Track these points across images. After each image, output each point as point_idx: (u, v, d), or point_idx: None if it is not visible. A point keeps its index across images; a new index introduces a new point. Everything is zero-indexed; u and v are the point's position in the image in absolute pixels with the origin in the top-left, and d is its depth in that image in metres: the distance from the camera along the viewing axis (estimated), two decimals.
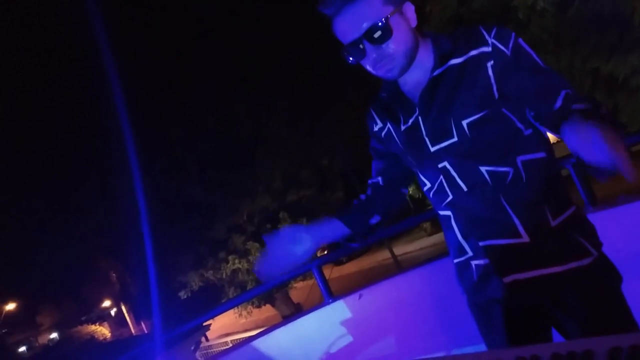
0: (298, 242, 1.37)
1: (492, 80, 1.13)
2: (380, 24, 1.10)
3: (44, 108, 13.54)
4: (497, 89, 1.13)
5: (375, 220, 1.41)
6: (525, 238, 1.15)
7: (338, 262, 19.06)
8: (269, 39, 11.96)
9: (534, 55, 1.14)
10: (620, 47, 6.30)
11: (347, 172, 16.52)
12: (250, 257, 11.93)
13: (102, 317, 24.80)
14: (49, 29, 12.02)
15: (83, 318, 23.81)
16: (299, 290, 12.94)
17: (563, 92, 1.08)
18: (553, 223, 1.15)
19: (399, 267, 12.58)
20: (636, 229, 1.98)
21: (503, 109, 1.14)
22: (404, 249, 14.33)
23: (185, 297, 12.45)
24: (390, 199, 1.43)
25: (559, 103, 1.07)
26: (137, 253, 11.50)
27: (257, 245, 11.91)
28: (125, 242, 12.11)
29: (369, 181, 1.47)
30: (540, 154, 1.17)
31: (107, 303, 23.34)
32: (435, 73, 1.18)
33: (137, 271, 12.95)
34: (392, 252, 12.89)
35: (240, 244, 12.09)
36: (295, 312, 13.80)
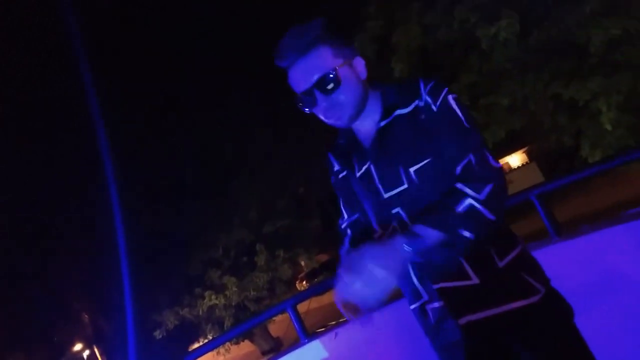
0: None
1: (426, 132, 1.20)
2: (330, 74, 1.18)
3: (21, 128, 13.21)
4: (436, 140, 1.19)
5: None
6: (475, 280, 1.19)
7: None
8: (246, 70, 12.06)
9: (460, 114, 1.19)
10: (579, 73, 6.58)
11: (324, 200, 16.52)
12: (227, 292, 11.68)
13: None
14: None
15: None
16: (278, 323, 12.70)
17: (467, 158, 1.13)
18: (500, 264, 1.19)
19: None
20: (600, 257, 2.03)
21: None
22: None
23: (160, 337, 12.06)
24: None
25: (459, 169, 1.15)
26: (111, 293, 11.16)
27: (233, 279, 11.69)
28: (99, 281, 11.74)
29: (348, 222, 1.43)
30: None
31: (79, 346, 22.41)
32: (382, 123, 1.25)
33: (110, 312, 12.53)
34: None
35: (217, 279, 11.85)
36: (275, 346, 13.50)
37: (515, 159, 20.62)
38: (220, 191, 11.93)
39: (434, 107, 1.19)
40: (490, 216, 1.09)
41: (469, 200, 1.09)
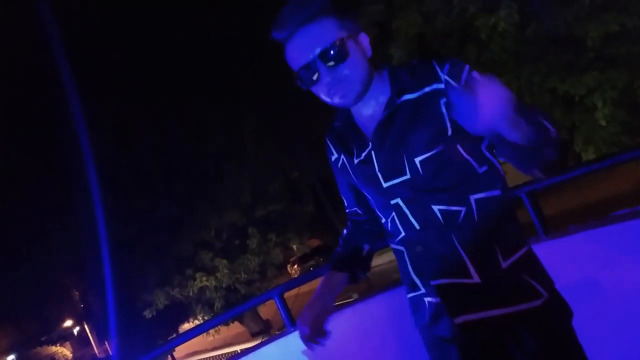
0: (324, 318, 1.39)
1: (446, 118, 1.12)
2: (335, 45, 1.08)
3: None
4: (451, 126, 1.12)
5: (366, 250, 1.43)
6: (476, 278, 1.14)
7: None
8: (238, 51, 11.95)
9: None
10: (576, 67, 6.57)
11: (316, 185, 16.54)
12: (218, 274, 11.73)
13: (63, 337, 23.89)
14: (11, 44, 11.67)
15: (43, 338, 22.86)
16: (267, 306, 12.80)
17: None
18: (504, 264, 1.14)
19: (367, 280, 12.61)
20: (587, 257, 2.04)
21: (457, 146, 1.13)
22: (372, 262, 14.42)
23: (150, 316, 12.12)
24: (374, 226, 1.42)
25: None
26: (100, 270, 11.18)
27: (224, 262, 11.72)
28: (88, 259, 11.75)
29: (348, 212, 1.45)
30: (495, 192, 1.15)
31: (69, 322, 22.53)
32: (392, 108, 1.16)
33: (100, 289, 12.59)
34: None
35: (208, 261, 11.88)
36: (264, 328, 13.62)
37: None
38: (213, 174, 11.90)
39: (459, 87, 1.11)
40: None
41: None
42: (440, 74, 1.13)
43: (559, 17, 6.31)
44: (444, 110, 1.12)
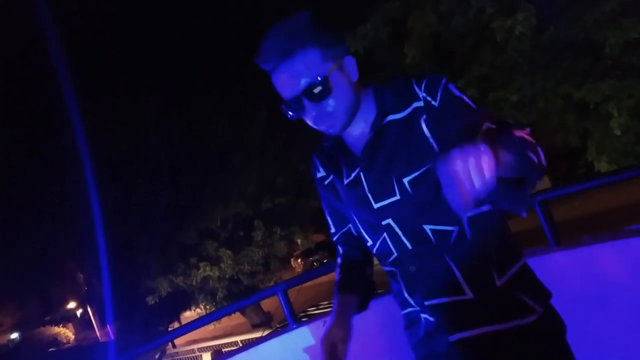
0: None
1: (428, 134, 1.12)
2: (318, 81, 1.07)
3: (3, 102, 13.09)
4: (437, 142, 1.12)
5: (368, 273, 1.36)
6: (470, 295, 1.13)
7: None
8: (248, 42, 11.92)
9: (465, 99, 1.12)
10: (592, 74, 6.47)
11: None
12: (222, 265, 11.77)
13: (66, 318, 24.17)
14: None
15: (47, 318, 23.14)
16: (269, 298, 12.84)
17: (485, 126, 0.96)
18: (499, 282, 1.13)
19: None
20: (597, 271, 2.01)
21: None
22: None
23: (153, 302, 12.20)
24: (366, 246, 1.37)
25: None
26: (104, 255, 11.26)
27: (229, 252, 11.76)
28: (93, 243, 11.83)
29: (336, 237, 1.40)
30: (485, 207, 1.14)
31: (72, 304, 22.76)
32: (377, 128, 1.16)
33: (104, 273, 12.68)
34: None
35: (213, 250, 11.93)
36: (265, 320, 13.69)
37: None
38: (221, 164, 11.91)
39: (434, 103, 1.11)
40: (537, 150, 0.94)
41: (518, 132, 0.94)
42: (419, 92, 1.13)
43: (579, 23, 6.21)
44: (424, 127, 1.12)
